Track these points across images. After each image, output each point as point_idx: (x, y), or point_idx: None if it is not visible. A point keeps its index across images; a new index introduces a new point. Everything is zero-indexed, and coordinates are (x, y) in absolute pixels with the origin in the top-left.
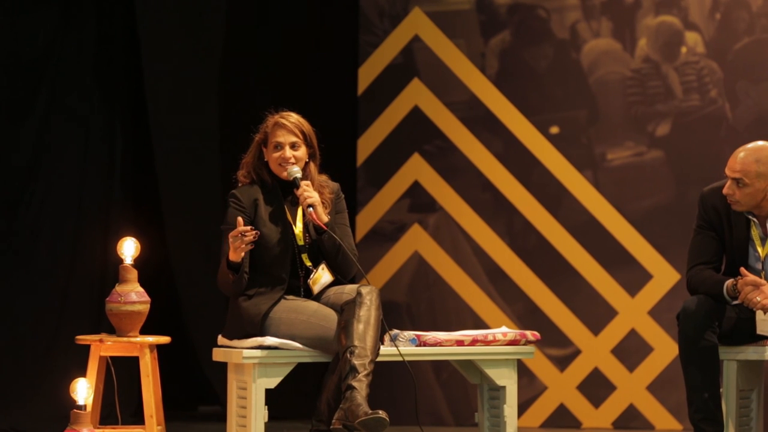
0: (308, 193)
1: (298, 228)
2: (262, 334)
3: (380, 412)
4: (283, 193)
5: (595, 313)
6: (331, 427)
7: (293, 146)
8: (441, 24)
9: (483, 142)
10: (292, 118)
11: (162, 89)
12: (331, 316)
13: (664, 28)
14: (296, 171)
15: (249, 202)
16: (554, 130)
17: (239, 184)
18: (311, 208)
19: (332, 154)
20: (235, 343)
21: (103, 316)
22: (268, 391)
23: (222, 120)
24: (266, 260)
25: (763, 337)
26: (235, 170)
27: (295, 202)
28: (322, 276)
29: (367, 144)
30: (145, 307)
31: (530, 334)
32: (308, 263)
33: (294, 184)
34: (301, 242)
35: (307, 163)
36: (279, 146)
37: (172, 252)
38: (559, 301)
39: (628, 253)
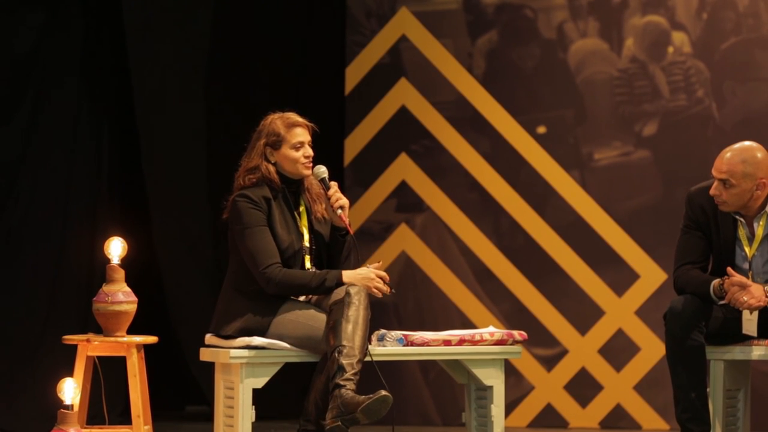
0: (339, 194)
1: (305, 229)
2: (251, 334)
3: (382, 391)
4: (290, 194)
5: (582, 312)
6: (327, 428)
7: (310, 145)
8: (428, 24)
9: (470, 142)
10: (303, 118)
11: (149, 89)
12: (319, 315)
13: (651, 27)
14: (324, 171)
15: (261, 201)
16: (541, 129)
17: (242, 185)
18: (341, 210)
19: (319, 154)
20: (223, 342)
21: (90, 315)
22: (255, 391)
23: (209, 120)
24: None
25: (749, 337)
26: (224, 170)
27: (298, 204)
28: None
29: (354, 144)
30: (132, 307)
31: (517, 334)
32: (309, 266)
33: (323, 183)
34: (307, 244)
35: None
36: (300, 145)
37: (159, 252)
38: (546, 300)
39: (615, 253)
